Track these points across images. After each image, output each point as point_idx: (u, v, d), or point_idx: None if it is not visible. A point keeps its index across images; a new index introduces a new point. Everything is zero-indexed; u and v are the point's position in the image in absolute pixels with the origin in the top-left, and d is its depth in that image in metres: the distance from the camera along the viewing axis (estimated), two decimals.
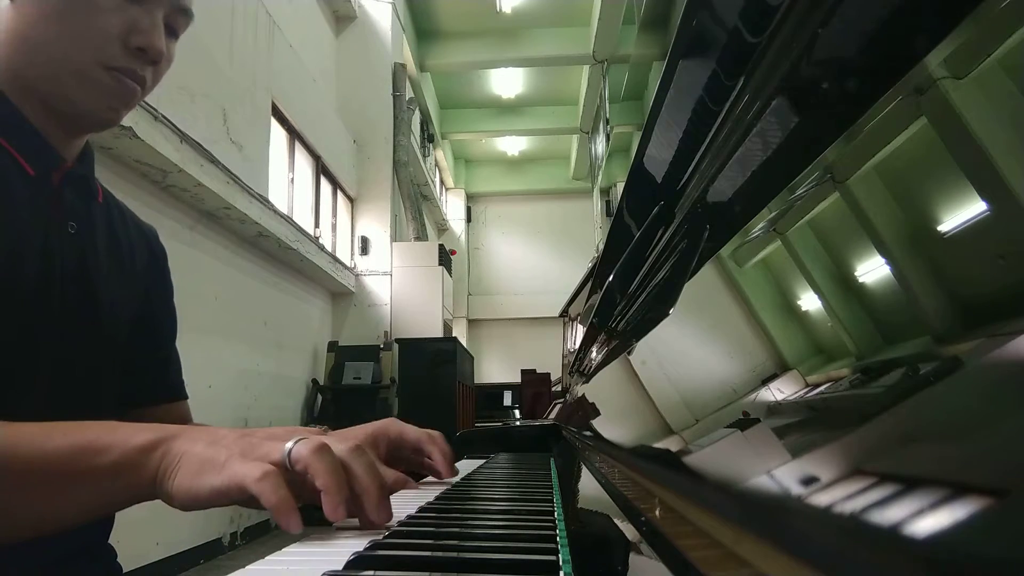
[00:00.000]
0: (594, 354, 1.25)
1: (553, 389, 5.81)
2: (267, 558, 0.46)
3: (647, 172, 0.74)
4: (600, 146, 10.27)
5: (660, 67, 0.61)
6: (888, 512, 0.15)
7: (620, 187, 11.10)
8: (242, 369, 4.85)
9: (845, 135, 0.30)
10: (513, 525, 0.57)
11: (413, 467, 0.85)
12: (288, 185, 5.88)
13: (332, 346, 6.54)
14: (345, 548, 0.46)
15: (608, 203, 12.03)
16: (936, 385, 0.20)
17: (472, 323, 13.29)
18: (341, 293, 7.12)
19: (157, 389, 0.92)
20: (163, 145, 3.42)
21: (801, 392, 0.31)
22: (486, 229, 13.98)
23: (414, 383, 6.42)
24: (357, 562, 0.43)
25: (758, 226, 0.42)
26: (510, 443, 1.61)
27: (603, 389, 0.94)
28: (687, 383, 0.52)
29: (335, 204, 7.09)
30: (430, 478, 0.87)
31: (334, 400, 6.18)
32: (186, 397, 0.96)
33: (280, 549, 0.49)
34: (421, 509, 0.66)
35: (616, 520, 0.44)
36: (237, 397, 4.76)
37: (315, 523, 0.53)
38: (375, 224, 7.49)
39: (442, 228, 13.23)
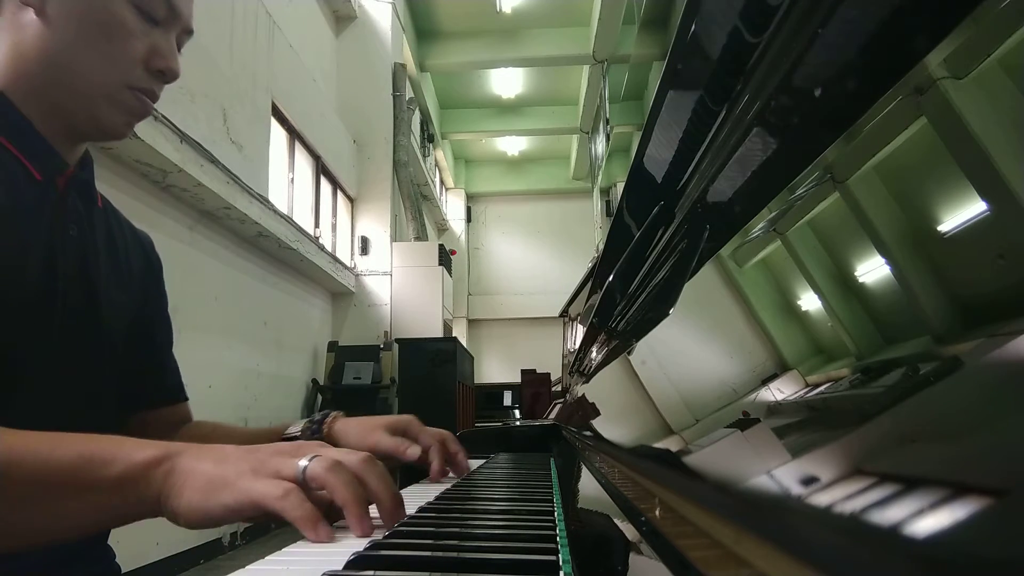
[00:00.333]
0: (594, 354, 1.25)
1: (553, 389, 5.81)
2: (267, 558, 0.46)
3: (647, 172, 0.74)
4: (600, 146, 10.27)
5: (660, 67, 0.61)
6: (888, 512, 0.15)
7: (620, 187, 11.10)
8: (242, 369, 4.85)
9: (845, 135, 0.30)
10: (513, 525, 0.57)
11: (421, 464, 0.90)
12: (288, 185, 5.88)
13: (332, 346, 6.53)
14: (345, 548, 0.46)
15: (608, 203, 12.03)
16: (936, 385, 0.20)
17: (472, 323, 13.29)
18: (341, 293, 7.12)
19: (156, 393, 0.94)
20: (163, 145, 3.42)
21: (801, 392, 0.31)
22: (486, 229, 13.98)
23: (414, 383, 6.42)
24: (357, 562, 0.43)
25: (758, 226, 0.42)
26: (510, 443, 1.61)
27: (603, 389, 0.94)
28: (687, 383, 0.52)
29: (335, 204, 7.09)
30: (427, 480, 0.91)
31: (334, 400, 6.18)
32: (186, 399, 0.97)
33: (280, 549, 0.49)
34: (421, 509, 0.66)
35: (616, 520, 0.44)
36: (237, 397, 4.76)
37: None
38: (375, 224, 7.49)
39: (442, 228, 13.23)
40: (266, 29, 5.06)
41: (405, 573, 0.42)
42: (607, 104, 9.41)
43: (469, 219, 13.84)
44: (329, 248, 6.61)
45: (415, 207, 7.83)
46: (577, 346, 1.85)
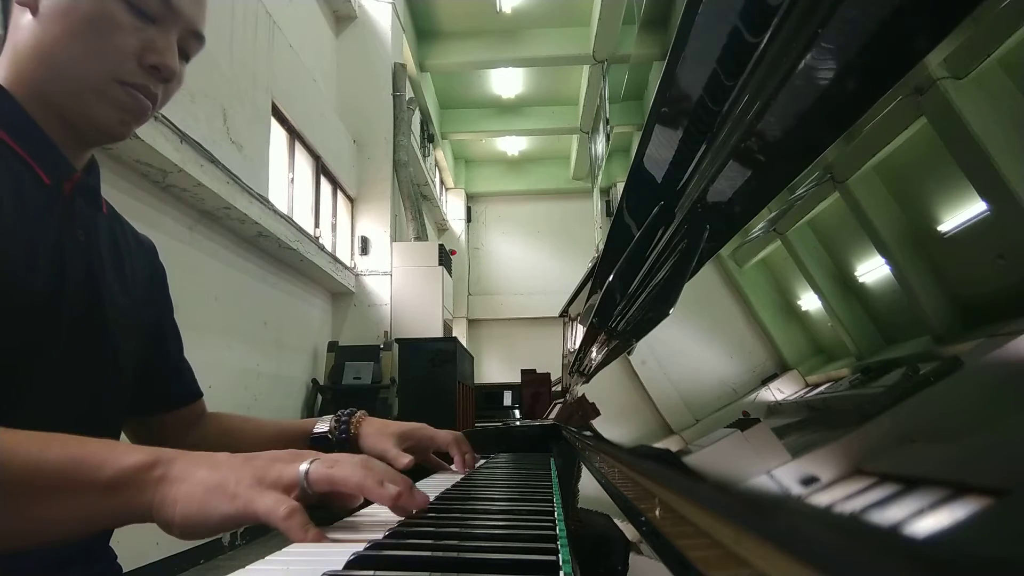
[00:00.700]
0: (594, 354, 1.25)
1: (553, 389, 5.81)
2: (267, 558, 0.46)
3: (647, 172, 0.74)
4: (600, 146, 10.27)
5: (660, 67, 0.61)
6: (888, 512, 0.15)
7: (620, 187, 11.10)
8: (242, 369, 4.85)
9: (845, 135, 0.30)
10: (513, 525, 0.57)
11: (424, 463, 0.98)
12: (288, 185, 5.88)
13: (332, 346, 6.53)
14: (345, 548, 0.46)
15: (608, 203, 12.03)
16: (936, 385, 0.20)
17: (472, 323, 13.29)
18: (341, 293, 7.12)
19: (175, 396, 0.96)
20: (163, 145, 3.42)
21: (801, 392, 0.31)
22: (486, 229, 13.98)
23: (414, 383, 6.42)
24: (357, 562, 0.43)
25: (758, 226, 0.42)
26: (510, 443, 1.61)
27: (603, 389, 0.94)
28: (687, 383, 0.52)
29: (335, 204, 7.09)
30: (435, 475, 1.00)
31: (334, 400, 6.17)
32: (201, 395, 0.99)
33: (280, 549, 0.49)
34: (420, 509, 0.66)
35: (616, 520, 0.44)
36: (237, 397, 4.76)
37: (315, 523, 0.54)
38: (375, 224, 7.49)
39: (442, 228, 13.23)
40: (266, 29, 5.06)
41: (405, 573, 0.42)
42: (607, 104, 9.41)
43: (469, 219, 13.84)
44: (329, 248, 6.61)
45: (415, 207, 7.83)
46: (577, 346, 1.85)
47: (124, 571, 0.87)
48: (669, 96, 0.60)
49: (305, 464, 0.54)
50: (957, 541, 0.12)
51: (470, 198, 13.92)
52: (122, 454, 0.53)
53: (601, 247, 1.11)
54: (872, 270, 0.29)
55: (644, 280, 0.78)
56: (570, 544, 0.47)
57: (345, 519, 0.63)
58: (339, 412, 0.94)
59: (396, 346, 6.66)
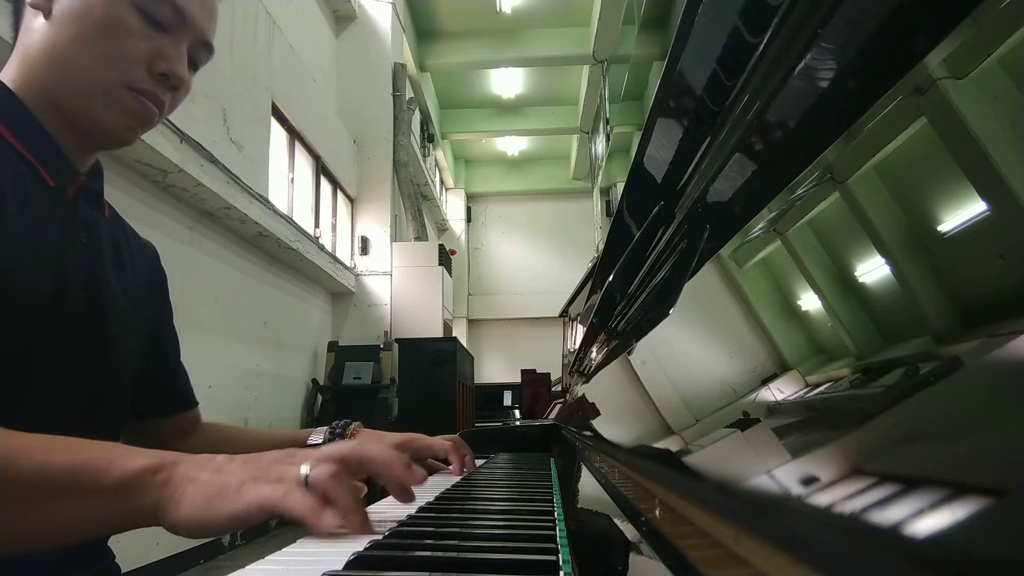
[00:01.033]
0: (594, 354, 1.25)
1: (553, 389, 5.81)
2: (267, 558, 0.46)
3: (647, 172, 0.74)
4: (600, 146, 10.27)
5: (660, 67, 0.61)
6: (888, 512, 0.15)
7: (620, 187, 11.09)
8: (242, 369, 4.85)
9: (845, 135, 0.30)
10: (513, 525, 0.57)
11: (426, 468, 0.96)
12: (288, 185, 5.88)
13: (332, 346, 6.53)
14: (345, 548, 0.46)
15: (608, 203, 12.02)
16: (936, 385, 0.20)
17: (472, 323, 13.29)
18: (341, 293, 7.11)
19: (169, 401, 0.96)
20: (163, 145, 3.42)
21: (801, 392, 0.31)
22: (486, 229, 13.97)
23: (414, 383, 6.42)
24: (357, 562, 0.43)
25: (758, 226, 0.42)
26: (510, 443, 1.61)
27: (603, 389, 0.94)
28: (687, 383, 0.52)
29: (335, 204, 7.09)
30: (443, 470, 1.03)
31: (334, 400, 6.17)
32: (196, 404, 0.99)
33: (280, 549, 0.49)
34: (421, 509, 0.66)
35: (616, 520, 0.44)
36: (237, 397, 4.76)
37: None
38: (375, 224, 7.49)
39: (442, 228, 13.23)
40: (266, 29, 5.05)
41: (405, 573, 0.42)
42: (607, 104, 9.41)
43: (469, 219, 13.83)
44: (329, 248, 6.61)
45: (415, 207, 7.83)
46: (577, 346, 1.85)
47: (124, 571, 0.87)
48: (669, 96, 0.60)
49: (306, 467, 0.54)
50: (957, 541, 0.12)
51: (470, 198, 13.92)
52: (127, 458, 0.53)
53: (601, 247, 1.11)
54: (872, 270, 0.29)
55: (644, 280, 0.78)
56: (570, 544, 0.47)
57: None
58: (333, 424, 0.94)
59: (396, 346, 6.66)
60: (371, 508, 0.66)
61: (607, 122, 9.43)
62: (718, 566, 0.23)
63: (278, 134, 5.63)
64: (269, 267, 5.43)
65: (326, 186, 6.84)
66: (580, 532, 0.54)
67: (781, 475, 0.24)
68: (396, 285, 7.33)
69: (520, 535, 0.53)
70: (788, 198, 0.38)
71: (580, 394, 1.30)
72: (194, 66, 0.81)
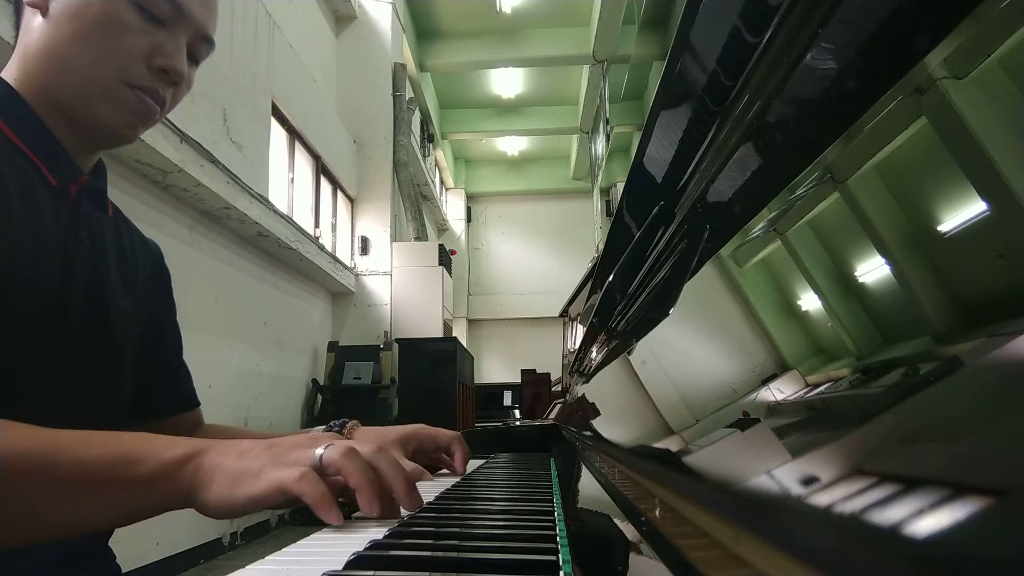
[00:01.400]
0: (594, 354, 1.25)
1: (553, 389, 5.81)
2: (267, 558, 0.46)
3: (647, 172, 0.74)
4: (600, 146, 10.27)
5: (660, 67, 0.61)
6: (888, 512, 0.15)
7: (620, 187, 11.09)
8: (242, 369, 4.85)
9: (845, 135, 0.30)
10: (513, 525, 0.57)
11: (430, 463, 0.97)
12: (288, 185, 5.88)
13: (332, 346, 6.53)
14: (345, 548, 0.46)
15: (608, 203, 12.02)
16: (936, 385, 0.20)
17: (472, 323, 13.29)
18: (341, 293, 7.11)
19: (172, 401, 0.96)
20: (163, 145, 3.42)
21: (801, 392, 0.31)
22: (486, 229, 13.98)
23: (414, 383, 6.42)
24: (357, 562, 0.43)
25: (758, 226, 0.42)
26: (510, 443, 1.61)
27: (603, 389, 0.94)
28: (687, 383, 0.52)
29: (335, 204, 7.09)
30: (443, 471, 1.02)
31: (334, 400, 6.17)
32: (198, 404, 0.99)
33: (280, 549, 0.49)
34: (421, 509, 0.66)
35: (616, 520, 0.44)
36: (237, 397, 4.76)
37: (315, 523, 0.54)
38: (375, 224, 7.49)
39: (442, 228, 13.23)
40: (266, 29, 5.05)
41: (405, 573, 0.42)
42: (607, 104, 9.41)
43: (469, 219, 13.83)
44: (329, 248, 6.61)
45: (415, 207, 7.83)
46: (577, 346, 1.85)
47: (124, 571, 0.87)
48: (669, 96, 0.60)
49: (320, 448, 0.57)
50: (957, 541, 0.12)
51: (470, 198, 13.92)
52: (161, 448, 0.57)
53: (601, 247, 1.11)
54: (872, 270, 0.29)
55: (644, 280, 0.78)
56: (570, 544, 0.47)
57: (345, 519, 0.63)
58: (331, 423, 0.94)
59: (396, 346, 6.66)
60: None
61: (607, 122, 9.43)
62: (718, 566, 0.23)
63: (278, 134, 5.63)
64: (269, 267, 5.43)
65: (326, 186, 6.84)
66: (580, 532, 0.54)
67: (781, 475, 0.24)
68: (396, 285, 7.33)
69: (520, 535, 0.53)
70: (788, 198, 0.38)
71: (580, 394, 1.30)
72: (195, 61, 0.81)
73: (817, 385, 0.30)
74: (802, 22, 0.37)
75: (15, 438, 0.52)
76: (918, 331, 0.24)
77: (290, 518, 5.49)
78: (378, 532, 0.53)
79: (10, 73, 0.74)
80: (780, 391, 0.33)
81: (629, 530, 0.39)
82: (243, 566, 0.43)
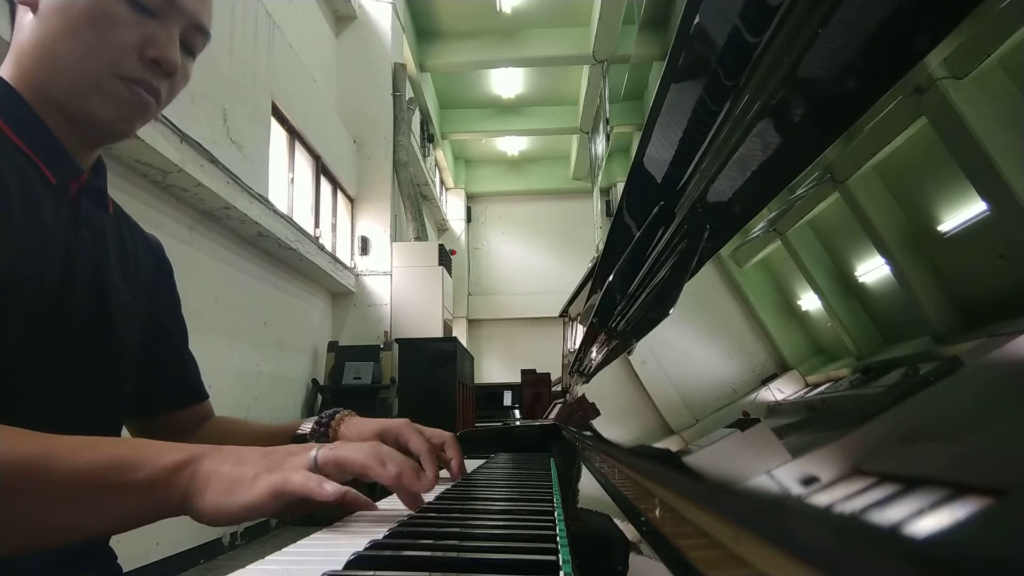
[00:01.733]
0: (594, 354, 1.25)
1: (553, 389, 5.80)
2: (267, 558, 0.46)
3: (647, 172, 0.74)
4: (600, 146, 10.26)
5: (660, 67, 0.61)
6: (888, 512, 0.15)
7: (620, 187, 11.09)
8: (242, 369, 4.85)
9: (845, 135, 0.30)
10: (513, 525, 0.57)
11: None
12: (288, 185, 5.88)
13: (332, 346, 6.53)
14: (345, 548, 0.46)
15: (608, 203, 12.02)
16: (936, 385, 0.20)
17: (472, 323, 13.28)
18: (341, 293, 7.11)
19: (181, 394, 0.96)
20: (163, 145, 3.42)
21: (801, 392, 0.31)
22: (486, 229, 13.97)
23: (414, 383, 6.42)
24: (357, 562, 0.43)
25: (758, 226, 0.42)
26: (510, 443, 1.61)
27: (603, 389, 0.94)
28: (687, 383, 0.52)
29: (335, 204, 7.09)
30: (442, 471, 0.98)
31: (334, 400, 6.17)
32: (206, 397, 1.00)
33: (280, 549, 0.49)
34: (421, 509, 0.66)
35: (616, 520, 0.44)
36: (237, 397, 4.76)
37: (315, 523, 0.54)
38: (375, 224, 7.48)
39: (442, 228, 13.22)
40: (266, 29, 5.05)
41: (405, 573, 0.42)
42: (607, 104, 9.40)
43: (469, 219, 13.83)
44: (329, 248, 6.61)
45: (415, 207, 7.83)
46: (577, 346, 1.85)
47: (124, 571, 0.87)
48: (669, 96, 0.60)
49: (313, 451, 0.58)
50: (957, 541, 0.12)
51: (470, 198, 13.92)
52: (158, 454, 0.57)
53: (601, 247, 1.11)
54: (872, 270, 0.29)
55: (644, 280, 0.78)
56: (570, 544, 0.47)
57: (345, 518, 0.63)
58: (322, 413, 0.94)
59: (396, 346, 6.66)
60: (378, 505, 0.66)
61: (607, 122, 9.43)
62: (718, 566, 0.23)
63: (278, 134, 5.63)
64: (269, 267, 5.43)
65: (326, 186, 6.84)
66: (580, 532, 0.54)
67: (781, 475, 0.24)
68: (396, 285, 7.33)
69: (520, 535, 0.53)
70: (788, 198, 0.38)
71: (580, 394, 1.30)
72: (190, 52, 0.80)
73: (817, 385, 0.30)
74: (802, 22, 0.37)
75: (12, 444, 0.52)
76: (918, 331, 0.24)
77: (290, 518, 5.48)
78: (378, 532, 0.53)
79: (6, 72, 0.73)
80: (780, 391, 0.33)
81: (629, 530, 0.39)
82: (243, 566, 0.43)
